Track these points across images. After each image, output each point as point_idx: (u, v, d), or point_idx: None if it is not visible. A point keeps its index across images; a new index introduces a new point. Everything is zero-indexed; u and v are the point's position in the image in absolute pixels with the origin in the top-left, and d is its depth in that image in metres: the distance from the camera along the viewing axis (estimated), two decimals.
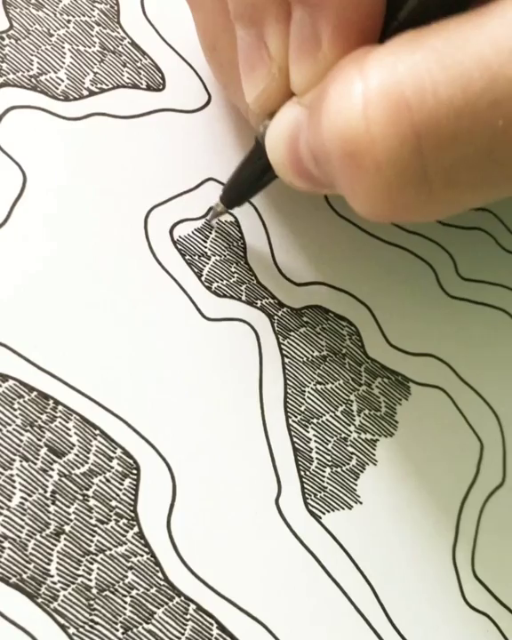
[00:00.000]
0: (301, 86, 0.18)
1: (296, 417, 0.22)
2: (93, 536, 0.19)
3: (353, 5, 0.16)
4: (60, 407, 0.20)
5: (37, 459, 0.19)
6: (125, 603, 0.19)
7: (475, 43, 0.14)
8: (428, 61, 0.15)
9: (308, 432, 0.22)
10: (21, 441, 0.19)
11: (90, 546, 0.19)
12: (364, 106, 0.15)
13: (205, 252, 0.23)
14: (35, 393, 0.20)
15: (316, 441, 0.22)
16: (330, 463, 0.22)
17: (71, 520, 0.19)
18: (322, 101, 0.16)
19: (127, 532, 0.19)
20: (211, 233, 0.23)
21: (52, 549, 0.19)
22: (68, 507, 0.19)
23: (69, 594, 0.18)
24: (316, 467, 0.22)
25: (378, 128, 0.15)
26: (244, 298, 0.23)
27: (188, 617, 0.19)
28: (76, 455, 0.19)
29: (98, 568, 0.19)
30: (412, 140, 0.15)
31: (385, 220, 0.17)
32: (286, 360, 0.23)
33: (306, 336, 0.23)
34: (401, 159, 0.15)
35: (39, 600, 0.18)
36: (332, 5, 0.16)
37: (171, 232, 0.23)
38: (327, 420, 0.23)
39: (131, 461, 0.20)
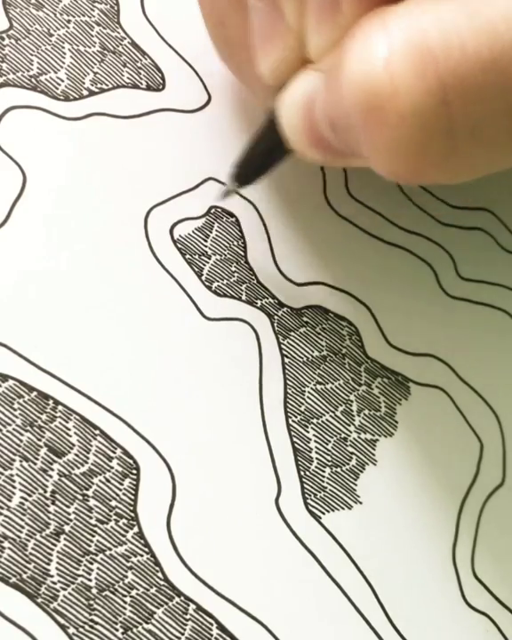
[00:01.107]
0: (319, 52, 0.17)
1: (296, 417, 0.22)
2: (93, 536, 0.19)
3: None
4: (59, 407, 0.20)
5: (37, 459, 0.19)
6: (125, 603, 0.19)
7: None
8: (454, 14, 0.14)
9: (307, 432, 0.22)
10: (21, 441, 0.19)
11: (90, 546, 0.19)
12: (387, 58, 0.14)
13: (206, 252, 0.23)
14: (35, 393, 0.20)
15: (315, 441, 0.22)
16: (330, 463, 0.22)
17: (71, 520, 0.19)
18: (342, 60, 0.15)
19: (127, 531, 0.19)
20: (211, 232, 0.23)
21: (52, 549, 0.19)
22: (68, 507, 0.19)
23: (69, 594, 0.18)
24: (316, 467, 0.22)
25: (402, 79, 0.14)
26: (244, 297, 0.23)
27: (187, 617, 0.19)
28: (76, 455, 0.19)
29: (98, 568, 0.19)
30: (437, 92, 0.14)
31: (408, 178, 0.16)
32: (286, 360, 0.23)
33: (306, 336, 0.23)
34: (426, 111, 0.14)
35: (39, 600, 0.18)
36: None
37: (171, 231, 0.23)
38: (327, 420, 0.23)
39: (131, 461, 0.20)
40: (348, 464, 0.22)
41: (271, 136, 0.20)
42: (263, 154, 0.21)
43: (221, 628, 0.19)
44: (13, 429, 0.19)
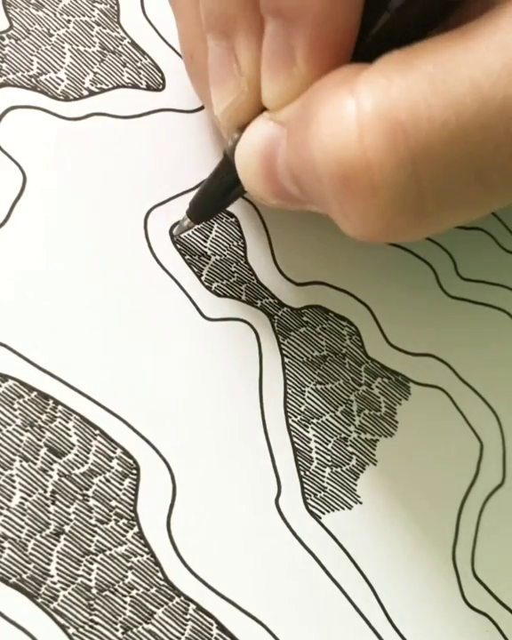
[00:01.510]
0: (275, 102, 0.18)
1: (296, 417, 0.22)
2: (93, 536, 0.19)
3: (328, 20, 0.16)
4: (59, 407, 0.20)
5: (37, 459, 0.19)
6: (125, 603, 0.19)
7: (465, 66, 0.14)
8: (420, 85, 0.15)
9: (307, 432, 0.22)
10: (21, 441, 0.19)
11: (90, 546, 0.19)
12: (359, 130, 0.15)
13: (205, 252, 0.23)
14: (35, 393, 0.20)
15: (315, 441, 0.22)
16: (330, 463, 0.22)
17: (71, 520, 0.19)
18: (309, 122, 0.16)
19: (127, 531, 0.19)
20: (211, 232, 0.23)
21: (52, 549, 0.19)
22: (68, 507, 0.19)
23: (69, 594, 0.18)
24: (316, 467, 0.22)
25: (374, 152, 0.15)
26: (244, 297, 0.23)
27: (187, 617, 0.19)
28: (76, 455, 0.19)
29: (98, 568, 0.19)
30: (408, 166, 0.15)
31: (376, 241, 0.17)
32: (286, 360, 0.23)
33: (306, 336, 0.23)
34: (398, 184, 0.15)
35: (39, 600, 0.18)
36: (306, 19, 0.16)
37: (171, 232, 0.23)
38: (327, 419, 0.23)
39: (130, 461, 0.20)
40: (347, 464, 0.22)
41: (227, 176, 0.20)
42: (219, 192, 0.21)
43: (221, 627, 0.19)
44: (13, 429, 0.19)
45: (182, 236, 0.23)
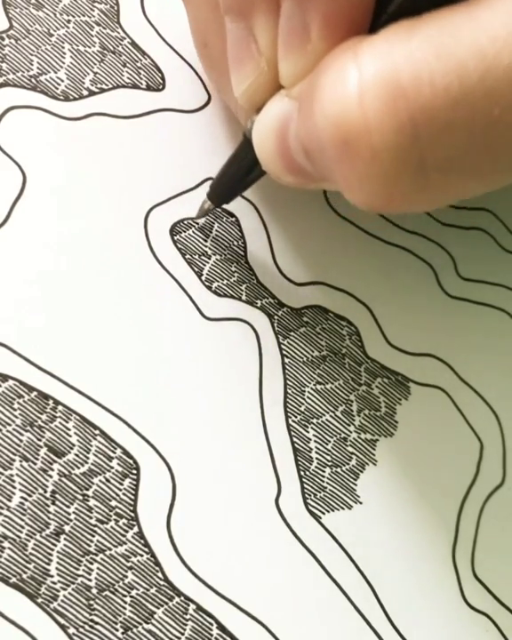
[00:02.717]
0: (290, 79, 0.18)
1: (296, 417, 0.22)
2: (93, 536, 0.19)
3: None
4: (59, 407, 0.20)
5: (37, 459, 0.19)
6: (125, 603, 0.19)
7: (469, 32, 0.14)
8: (423, 50, 0.15)
9: (307, 432, 0.22)
10: (21, 441, 0.19)
11: (90, 546, 0.19)
12: (359, 93, 0.15)
13: (206, 252, 0.23)
14: (35, 393, 0.20)
15: (315, 441, 0.22)
16: (330, 463, 0.22)
17: (71, 520, 0.19)
18: (314, 91, 0.16)
19: (127, 531, 0.19)
20: (211, 232, 0.23)
21: (52, 549, 0.19)
22: (68, 507, 0.19)
23: (69, 594, 0.18)
24: (316, 467, 0.22)
25: (374, 116, 0.15)
26: (244, 297, 0.23)
27: (187, 617, 0.19)
28: (76, 455, 0.19)
29: (98, 568, 0.19)
30: (408, 128, 0.15)
31: (380, 209, 0.16)
32: (286, 360, 0.23)
33: (306, 336, 0.23)
34: (397, 147, 0.15)
35: (39, 600, 0.18)
36: None
37: (171, 231, 0.23)
38: (327, 419, 0.23)
39: (131, 461, 0.20)
40: (347, 464, 0.22)
41: (246, 157, 0.20)
42: (239, 174, 0.21)
43: (221, 627, 0.19)
44: (13, 429, 0.19)
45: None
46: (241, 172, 0.21)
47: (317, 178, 0.18)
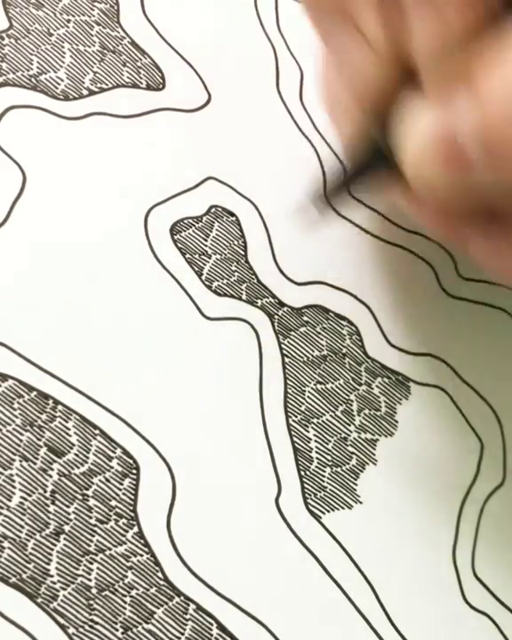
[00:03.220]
0: (428, 56, 0.16)
1: (296, 417, 0.22)
2: (93, 536, 0.19)
3: None
4: (59, 407, 0.20)
5: (37, 458, 0.19)
6: (125, 602, 0.19)
7: None
8: None
9: (308, 432, 0.22)
10: (21, 441, 0.19)
11: (89, 546, 0.19)
12: None
13: (206, 251, 0.23)
14: (34, 393, 0.20)
15: (316, 441, 0.22)
16: (330, 463, 0.22)
17: (71, 520, 0.19)
18: (490, 84, 0.15)
19: (127, 531, 0.19)
20: (211, 231, 0.23)
21: (52, 549, 0.19)
22: (68, 506, 0.19)
23: (69, 594, 0.18)
24: (316, 466, 0.22)
25: None
26: (244, 297, 0.23)
27: (187, 617, 0.19)
28: (76, 455, 0.19)
29: (97, 568, 0.19)
30: None
31: None
32: (286, 360, 0.23)
33: (306, 336, 0.23)
34: None
35: (39, 600, 0.18)
36: None
37: (171, 231, 0.23)
38: (327, 419, 0.23)
39: (130, 461, 0.20)
40: (348, 464, 0.22)
41: (372, 161, 0.20)
42: (361, 178, 0.20)
43: (221, 627, 0.19)
44: (13, 429, 0.19)
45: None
46: (359, 175, 0.20)
47: (495, 187, 0.17)
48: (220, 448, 0.21)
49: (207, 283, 0.23)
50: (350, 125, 0.20)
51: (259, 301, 0.23)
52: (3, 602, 0.18)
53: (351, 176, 0.20)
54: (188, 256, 0.23)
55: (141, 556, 0.19)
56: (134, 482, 0.20)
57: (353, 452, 0.23)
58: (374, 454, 0.23)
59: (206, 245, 0.23)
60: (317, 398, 0.23)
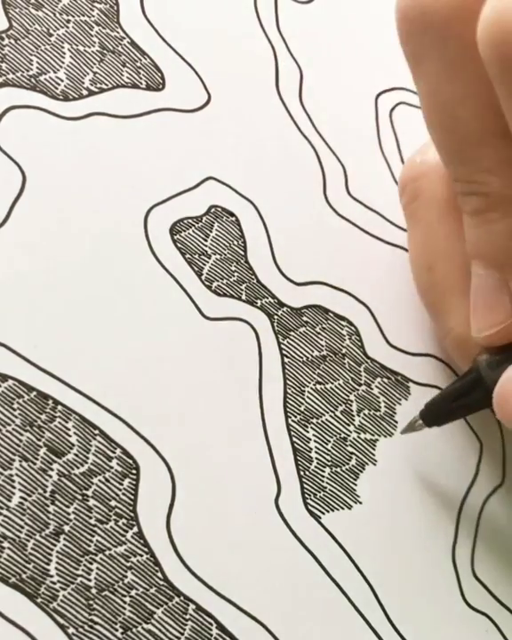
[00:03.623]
0: None
1: (295, 417, 0.22)
2: (93, 536, 0.19)
3: None
4: (59, 407, 0.20)
5: (37, 459, 0.19)
6: (125, 603, 0.19)
7: None
8: None
9: (307, 432, 0.22)
10: (21, 441, 0.19)
11: (89, 546, 0.19)
12: None
13: (205, 251, 0.23)
14: (34, 393, 0.20)
15: (315, 441, 0.22)
16: (329, 463, 0.22)
17: (70, 520, 0.19)
18: None
19: (126, 531, 0.19)
20: (211, 231, 0.23)
21: (52, 549, 0.19)
22: (68, 507, 0.19)
23: (69, 594, 0.18)
24: (316, 467, 0.22)
25: None
26: (244, 297, 0.23)
27: (187, 617, 0.19)
28: (76, 455, 0.19)
29: (97, 568, 0.19)
30: None
31: None
32: (286, 360, 0.23)
33: (305, 336, 0.23)
34: None
35: (38, 600, 0.18)
36: None
37: (171, 231, 0.23)
38: (327, 419, 0.23)
39: (130, 461, 0.20)
40: (347, 464, 0.22)
41: (474, 390, 0.21)
42: (461, 405, 0.22)
43: (221, 628, 0.19)
44: (13, 429, 0.19)
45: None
46: (465, 403, 0.21)
47: None
48: (220, 448, 0.21)
49: (207, 283, 0.23)
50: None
51: (258, 301, 0.23)
52: (2, 602, 0.18)
53: (451, 394, 0.22)
54: (187, 256, 0.23)
55: (141, 556, 0.19)
56: (134, 482, 0.20)
57: (352, 453, 0.23)
58: (374, 454, 0.23)
59: (206, 245, 0.23)
60: (317, 398, 0.23)
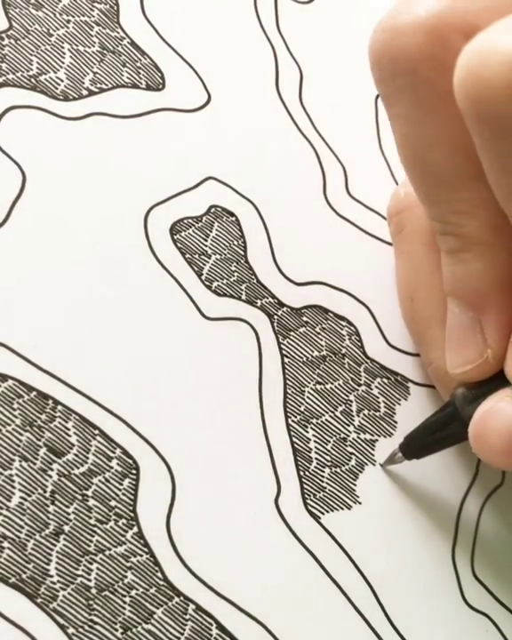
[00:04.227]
0: None
1: (295, 417, 0.22)
2: (93, 536, 0.19)
3: None
4: (59, 407, 0.20)
5: (37, 459, 0.19)
6: (125, 603, 0.19)
7: None
8: None
9: (307, 432, 0.22)
10: (21, 441, 0.19)
11: (89, 546, 0.19)
12: None
13: (206, 251, 0.23)
14: (34, 393, 0.20)
15: (315, 441, 0.22)
16: (329, 463, 0.22)
17: (70, 520, 0.19)
18: None
19: (126, 531, 0.19)
20: (211, 231, 0.23)
21: (52, 549, 0.19)
22: (68, 507, 0.19)
23: (69, 594, 0.18)
24: (316, 467, 0.22)
25: None
26: (244, 297, 0.23)
27: (187, 617, 0.19)
28: (76, 455, 0.19)
29: (97, 568, 0.19)
30: None
31: None
32: (286, 360, 0.23)
33: (305, 336, 0.23)
34: None
35: (38, 600, 0.18)
36: None
37: (171, 231, 0.23)
38: (326, 420, 0.23)
39: (130, 461, 0.20)
40: (347, 464, 0.22)
41: (449, 422, 0.21)
42: (438, 438, 0.22)
43: (221, 628, 0.19)
44: (13, 429, 0.19)
45: None
46: (442, 436, 0.22)
47: None
48: (220, 448, 0.21)
49: (207, 283, 0.23)
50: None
51: (258, 301, 0.23)
52: (2, 602, 0.18)
53: (429, 428, 0.22)
54: (187, 256, 0.23)
55: (141, 556, 0.19)
56: (134, 482, 0.20)
57: (352, 453, 0.23)
58: (374, 454, 0.23)
59: (206, 245, 0.23)
60: (317, 399, 0.23)
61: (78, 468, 0.19)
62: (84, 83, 0.23)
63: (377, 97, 0.27)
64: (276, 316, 0.23)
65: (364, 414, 0.23)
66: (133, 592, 0.19)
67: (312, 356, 0.23)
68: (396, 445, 0.22)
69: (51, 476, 0.19)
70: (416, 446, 0.22)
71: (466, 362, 0.20)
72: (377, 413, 0.23)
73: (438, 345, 0.21)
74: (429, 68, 0.17)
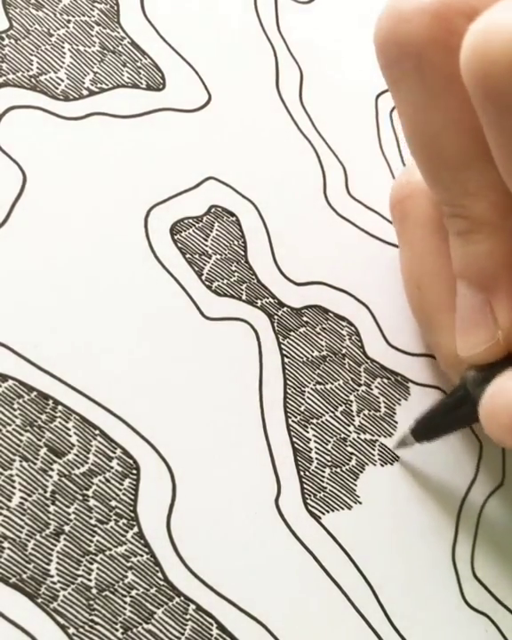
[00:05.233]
0: None
1: (296, 417, 0.22)
2: (93, 536, 0.19)
3: None
4: (59, 407, 0.20)
5: (37, 459, 0.19)
6: (125, 603, 0.19)
7: None
8: None
9: (307, 432, 0.22)
10: (21, 441, 0.19)
11: (89, 546, 0.19)
12: None
13: (206, 251, 0.23)
14: (34, 393, 0.20)
15: (315, 441, 0.22)
16: (329, 463, 0.22)
17: (71, 520, 0.19)
18: None
19: (127, 532, 0.19)
20: (211, 231, 0.23)
21: (52, 549, 0.19)
22: (68, 507, 0.19)
23: (69, 594, 0.18)
24: (316, 467, 0.22)
25: None
26: (244, 297, 0.23)
27: (187, 617, 0.19)
28: (76, 455, 0.19)
29: (97, 568, 0.19)
30: None
31: None
32: (286, 360, 0.23)
33: (306, 336, 0.23)
34: None
35: (39, 600, 0.18)
36: None
37: (171, 231, 0.23)
38: (327, 420, 0.23)
39: (130, 461, 0.20)
40: (347, 464, 0.22)
41: (462, 406, 0.21)
42: (449, 419, 0.22)
43: (221, 628, 0.19)
44: (13, 429, 0.19)
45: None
46: (453, 417, 0.22)
47: None
48: (220, 448, 0.21)
49: (207, 283, 0.23)
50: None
51: (259, 301, 0.23)
52: (3, 602, 0.18)
53: (440, 410, 0.22)
54: (188, 256, 0.23)
55: (141, 556, 0.19)
56: (134, 482, 0.20)
57: (352, 453, 0.23)
58: (374, 454, 0.23)
59: (206, 245, 0.23)
60: (317, 399, 0.23)
61: (79, 468, 0.19)
62: (84, 83, 0.23)
63: (377, 97, 0.27)
64: (276, 316, 0.23)
65: (364, 414, 0.23)
66: (134, 592, 0.19)
67: (312, 356, 0.23)
68: (408, 429, 0.23)
69: (51, 476, 0.19)
70: (427, 428, 0.22)
71: (477, 344, 0.20)
72: (377, 413, 0.23)
73: (448, 330, 0.21)
74: (435, 51, 0.17)
